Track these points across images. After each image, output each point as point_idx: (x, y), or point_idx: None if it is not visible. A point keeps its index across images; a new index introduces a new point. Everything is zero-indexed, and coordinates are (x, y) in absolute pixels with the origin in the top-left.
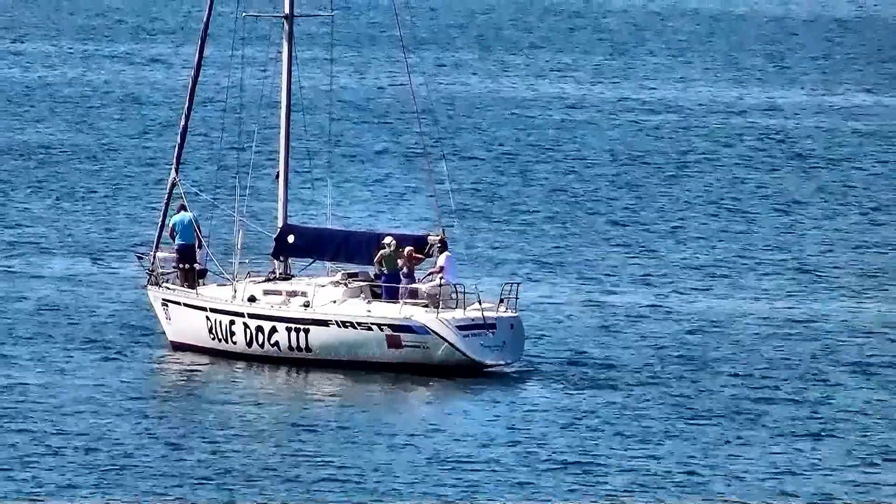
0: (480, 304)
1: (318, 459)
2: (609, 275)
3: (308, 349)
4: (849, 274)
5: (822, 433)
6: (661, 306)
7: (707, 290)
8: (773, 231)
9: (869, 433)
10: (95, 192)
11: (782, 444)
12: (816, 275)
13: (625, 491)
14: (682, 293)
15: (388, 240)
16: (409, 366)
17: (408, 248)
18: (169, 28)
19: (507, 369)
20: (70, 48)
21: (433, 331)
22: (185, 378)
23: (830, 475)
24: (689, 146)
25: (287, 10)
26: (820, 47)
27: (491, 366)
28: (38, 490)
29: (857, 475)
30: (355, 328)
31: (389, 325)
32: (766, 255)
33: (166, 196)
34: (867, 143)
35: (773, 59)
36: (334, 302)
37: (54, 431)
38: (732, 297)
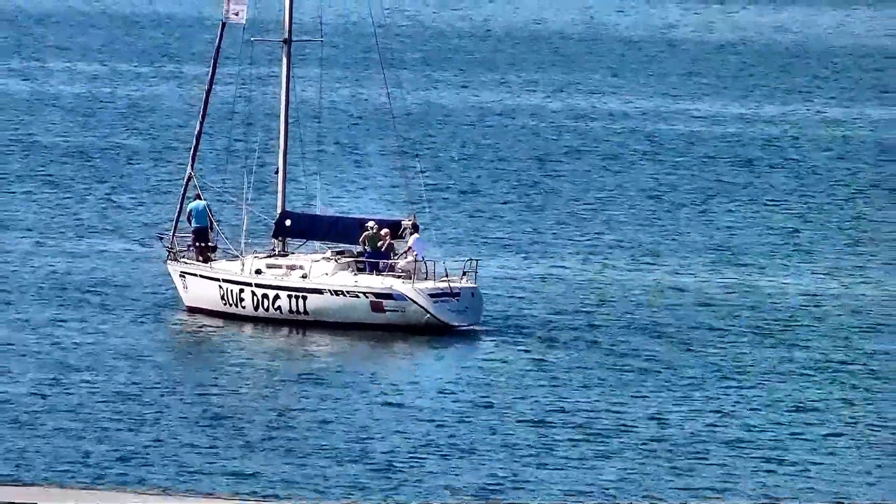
0: (447, 276)
1: (310, 403)
2: (553, 254)
3: (305, 313)
4: (752, 254)
5: (722, 383)
6: (598, 279)
7: (635, 265)
8: (694, 217)
9: (764, 383)
10: (123, 185)
11: (694, 392)
12: (728, 254)
13: (561, 425)
14: (615, 268)
15: (370, 223)
16: (389, 326)
17: (384, 230)
18: (192, 49)
19: (469, 329)
20: (121, 68)
21: (410, 298)
22: (201, 336)
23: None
24: (625, 147)
25: (286, 36)
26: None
27: (456, 326)
28: (83, 425)
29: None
30: (345, 296)
31: (373, 293)
32: (686, 236)
33: (183, 188)
34: (776, 148)
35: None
36: (326, 274)
37: (96, 379)
38: (657, 271)
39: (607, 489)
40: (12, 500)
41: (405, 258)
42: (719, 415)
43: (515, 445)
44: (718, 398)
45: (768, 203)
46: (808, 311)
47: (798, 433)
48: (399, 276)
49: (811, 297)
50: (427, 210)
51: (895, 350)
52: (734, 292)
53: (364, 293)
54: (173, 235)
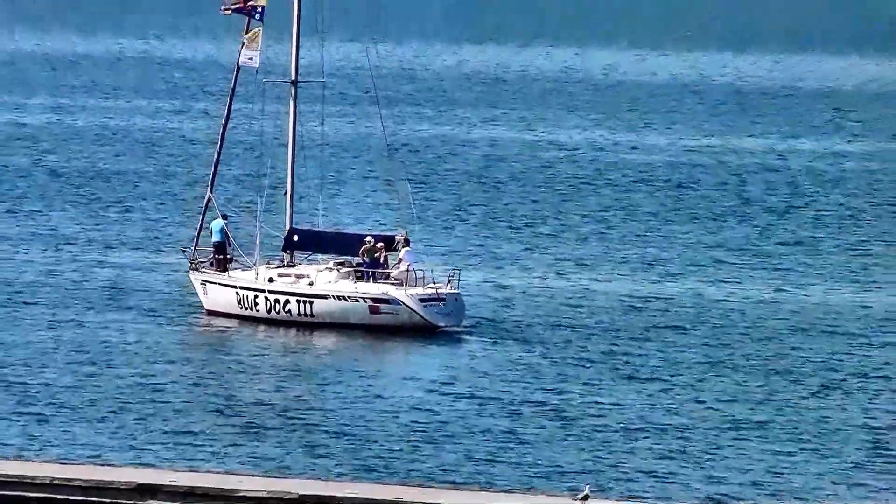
0: (434, 283)
1: (315, 392)
2: (528, 265)
3: (312, 315)
4: (696, 265)
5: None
6: (567, 288)
7: (599, 276)
8: (649, 235)
9: (713, 377)
10: (150, 206)
11: (648, 384)
12: (678, 265)
13: (533, 414)
14: (582, 279)
15: (368, 238)
16: (384, 327)
17: (379, 244)
18: (212, 88)
19: (453, 329)
20: (149, 104)
21: (403, 302)
22: (220, 335)
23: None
24: (588, 175)
25: (293, 77)
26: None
27: (442, 327)
28: (119, 409)
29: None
30: (346, 300)
31: (371, 298)
32: (643, 251)
33: (203, 208)
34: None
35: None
36: (330, 282)
37: (132, 371)
38: (618, 280)
39: (575, 470)
40: (60, 476)
41: (398, 268)
42: (670, 403)
43: (492, 430)
44: (670, 389)
45: (712, 220)
46: (756, 315)
47: (739, 426)
48: (393, 284)
49: (763, 303)
50: (417, 226)
51: (824, 350)
52: (684, 299)
53: (363, 298)
54: (195, 249)
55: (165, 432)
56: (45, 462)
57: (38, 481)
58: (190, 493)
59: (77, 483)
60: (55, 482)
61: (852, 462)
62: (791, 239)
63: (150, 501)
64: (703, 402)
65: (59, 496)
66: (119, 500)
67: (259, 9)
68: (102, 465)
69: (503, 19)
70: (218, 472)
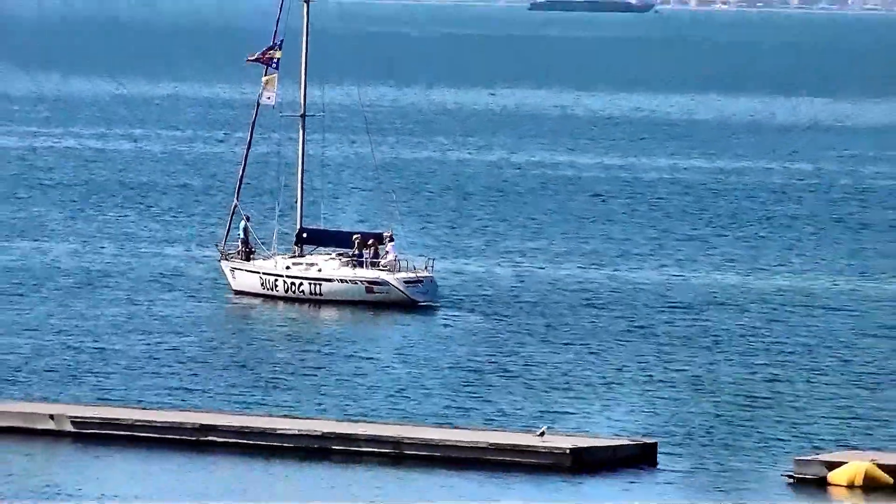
0: (414, 269)
1: (322, 353)
2: (489, 255)
3: (320, 294)
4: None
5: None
6: (522, 273)
7: (551, 264)
8: (626, 229)
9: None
10: (190, 211)
11: (588, 344)
12: (630, 256)
13: (493, 371)
14: (536, 266)
15: (356, 235)
16: (377, 303)
17: (370, 240)
18: (239, 121)
19: (429, 304)
20: (189, 134)
21: (391, 284)
22: (246, 309)
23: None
24: (551, 185)
25: (302, 112)
26: None
27: (420, 302)
28: (167, 364)
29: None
30: (347, 282)
31: (367, 281)
32: (584, 244)
33: (230, 213)
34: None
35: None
36: (334, 268)
37: (177, 336)
38: (561, 267)
39: (529, 413)
40: (139, 418)
41: (387, 258)
42: (601, 360)
43: (459, 381)
44: (600, 350)
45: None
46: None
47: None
48: (383, 270)
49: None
50: (400, 226)
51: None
52: (608, 281)
53: (360, 280)
54: (224, 243)
55: (210, 381)
56: (125, 407)
57: (122, 422)
58: (239, 431)
59: (153, 423)
60: (136, 423)
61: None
62: (689, 231)
63: (210, 437)
64: (626, 358)
65: (140, 434)
66: (185, 437)
67: (275, 60)
68: (170, 409)
69: (479, 65)
70: (258, 415)
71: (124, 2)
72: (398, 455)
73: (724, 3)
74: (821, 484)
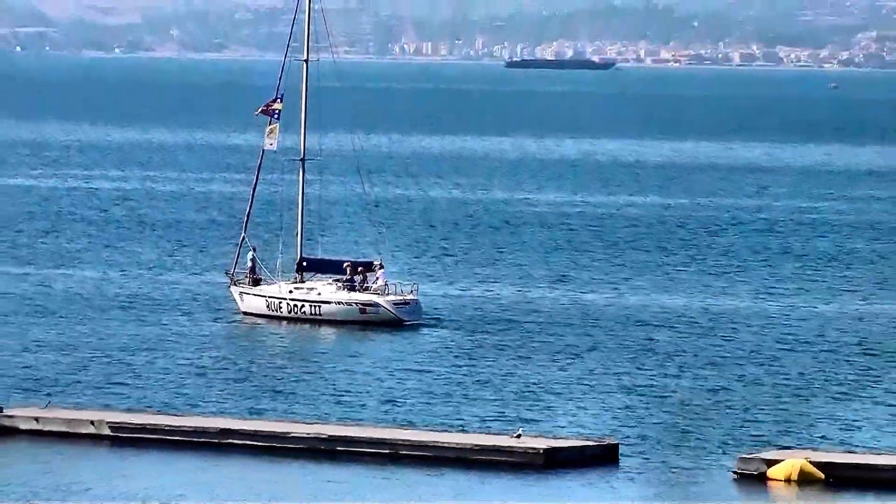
0: (402, 293)
1: (321, 365)
2: (468, 280)
3: (319, 314)
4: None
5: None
6: (498, 296)
7: (538, 289)
8: (587, 256)
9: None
10: (203, 243)
11: (559, 360)
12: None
13: (471, 382)
14: (512, 290)
15: (346, 263)
16: (369, 322)
17: (360, 268)
18: (244, 165)
19: (414, 323)
20: (201, 176)
21: (382, 305)
22: (250, 326)
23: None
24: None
25: (301, 156)
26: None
27: (407, 321)
28: (185, 375)
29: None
30: (343, 304)
31: (360, 303)
32: (579, 269)
33: (239, 244)
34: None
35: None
36: (331, 292)
37: (192, 351)
38: (534, 289)
39: (509, 420)
40: (167, 423)
41: (377, 283)
42: (575, 370)
43: (441, 389)
44: (574, 362)
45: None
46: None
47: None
48: (374, 293)
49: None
50: (389, 256)
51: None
52: (576, 302)
53: (355, 303)
54: (234, 271)
55: (224, 390)
56: (155, 413)
57: (153, 427)
58: (254, 434)
59: (180, 427)
60: (165, 427)
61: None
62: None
63: (229, 440)
64: (590, 369)
65: (168, 437)
66: (207, 440)
67: (276, 112)
68: (194, 415)
69: (460, 116)
70: (270, 420)
71: (165, 63)
72: (394, 455)
73: (676, 62)
74: (761, 479)
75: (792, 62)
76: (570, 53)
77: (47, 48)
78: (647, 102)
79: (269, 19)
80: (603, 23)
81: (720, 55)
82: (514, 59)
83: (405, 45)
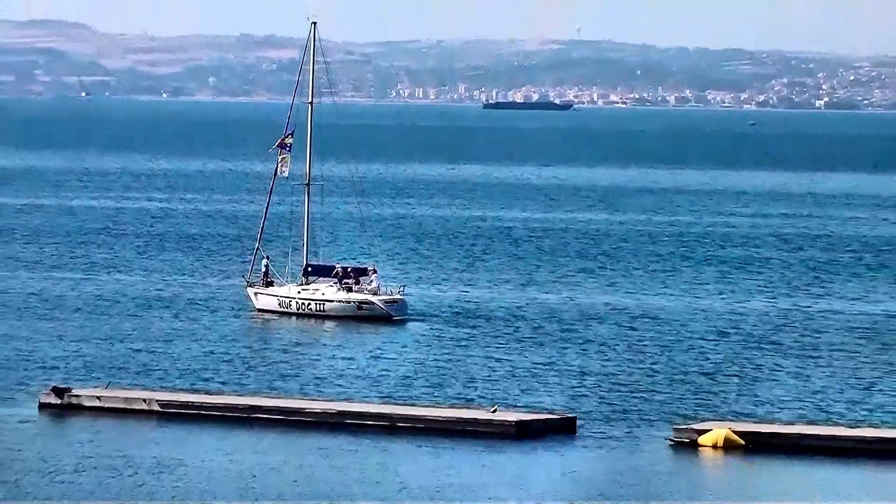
0: (391, 293)
1: (324, 352)
2: (449, 283)
3: (323, 311)
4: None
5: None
6: (474, 297)
7: (508, 289)
8: (549, 262)
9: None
10: (225, 253)
11: (534, 349)
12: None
13: (459, 371)
14: (496, 289)
15: (337, 269)
16: (364, 318)
17: (352, 271)
18: (258, 188)
19: (402, 318)
20: (219, 197)
21: (375, 304)
22: (265, 321)
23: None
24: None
25: (307, 181)
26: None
27: (396, 318)
28: (213, 360)
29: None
30: (343, 303)
31: (357, 301)
32: (542, 273)
33: (255, 253)
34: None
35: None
36: (333, 293)
37: (214, 342)
38: (523, 291)
39: (485, 397)
40: (199, 401)
41: (371, 285)
42: (541, 358)
43: (423, 371)
44: (539, 349)
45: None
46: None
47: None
48: (369, 293)
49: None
50: (381, 262)
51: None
52: (551, 301)
53: (353, 301)
54: (249, 275)
55: (247, 374)
56: (195, 393)
57: (194, 404)
58: (278, 409)
59: (216, 404)
60: (204, 404)
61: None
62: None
63: (257, 414)
64: (553, 355)
65: (206, 412)
66: (239, 414)
67: (288, 146)
68: (227, 394)
69: (443, 147)
70: (291, 397)
71: (203, 106)
72: (391, 427)
73: (623, 103)
74: (693, 446)
75: (718, 104)
76: (536, 97)
77: (107, 93)
78: (599, 137)
79: (289, 69)
80: (563, 72)
81: (659, 98)
82: (491, 101)
83: (400, 90)
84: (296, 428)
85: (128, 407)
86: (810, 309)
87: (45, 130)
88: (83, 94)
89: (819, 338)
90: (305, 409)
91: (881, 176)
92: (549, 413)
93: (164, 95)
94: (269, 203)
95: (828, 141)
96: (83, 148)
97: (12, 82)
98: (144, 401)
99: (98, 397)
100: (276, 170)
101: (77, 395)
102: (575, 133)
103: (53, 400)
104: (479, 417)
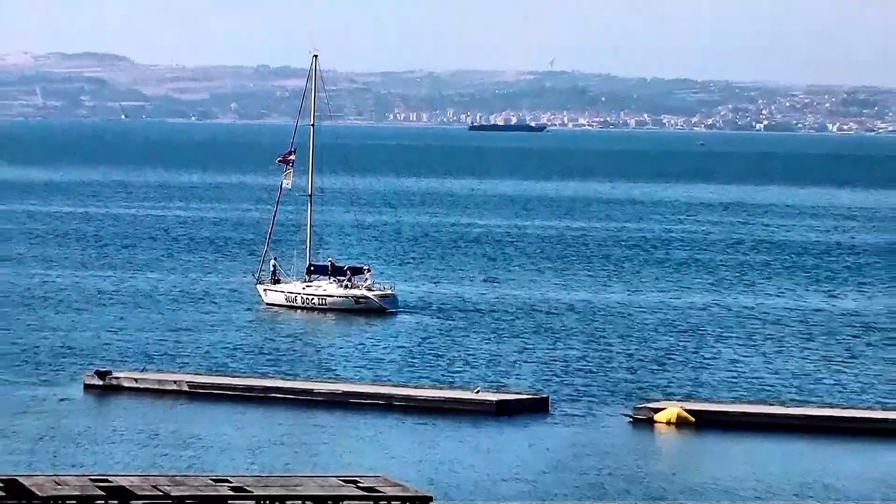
0: (384, 289)
1: (327, 340)
2: (432, 282)
3: (325, 305)
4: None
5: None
6: (458, 293)
7: (485, 287)
8: (518, 262)
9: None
10: (238, 255)
11: (514, 341)
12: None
13: (445, 357)
14: (475, 286)
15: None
16: (361, 310)
17: (348, 270)
18: (265, 198)
19: (394, 310)
20: (231, 208)
21: (371, 298)
22: (274, 314)
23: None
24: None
25: (309, 192)
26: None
27: (388, 310)
28: (228, 347)
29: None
30: (342, 297)
31: (355, 296)
32: (515, 273)
33: (263, 255)
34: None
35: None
36: (333, 289)
37: (228, 332)
38: (498, 287)
39: (469, 379)
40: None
41: (367, 282)
42: (517, 345)
43: (418, 359)
44: (515, 338)
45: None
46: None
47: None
48: (365, 289)
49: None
50: (375, 263)
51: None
52: (523, 296)
53: (351, 296)
54: (259, 273)
55: (259, 359)
56: (218, 375)
57: (218, 385)
58: (290, 390)
59: (237, 386)
60: (226, 385)
61: None
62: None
63: (272, 395)
64: (528, 342)
65: (228, 392)
66: (256, 394)
67: (291, 161)
68: (245, 376)
69: (432, 164)
70: (300, 380)
71: (226, 127)
72: (389, 405)
73: (590, 126)
74: (649, 422)
75: (671, 126)
76: (514, 120)
77: (144, 116)
78: (568, 155)
79: (299, 96)
80: (538, 99)
81: (621, 121)
82: (475, 124)
83: (397, 114)
84: (304, 406)
85: (161, 388)
86: (746, 303)
87: (90, 149)
88: (123, 116)
89: (755, 328)
90: (314, 389)
91: (812, 189)
92: (525, 393)
93: (193, 118)
94: (276, 211)
95: (766, 159)
96: (122, 164)
97: (62, 107)
98: (175, 382)
99: (135, 379)
100: (281, 182)
101: (117, 377)
102: (547, 152)
103: (96, 381)
104: (463, 397)
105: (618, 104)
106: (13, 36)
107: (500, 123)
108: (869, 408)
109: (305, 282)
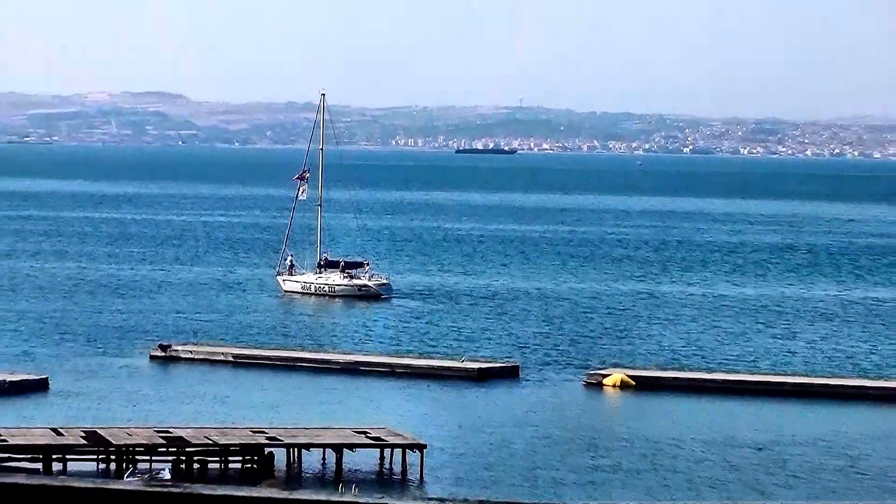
0: (381, 279)
1: (335, 320)
2: (425, 274)
3: (334, 292)
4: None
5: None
6: (448, 283)
7: (470, 278)
8: (497, 259)
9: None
10: (261, 253)
11: (502, 318)
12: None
13: (434, 332)
14: (462, 277)
15: (339, 261)
16: (363, 296)
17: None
18: (284, 207)
19: (389, 296)
20: (256, 214)
21: (370, 286)
22: (290, 299)
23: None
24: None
25: (319, 202)
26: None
27: (384, 296)
28: (255, 330)
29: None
30: (348, 286)
31: (358, 286)
32: (494, 266)
33: (282, 253)
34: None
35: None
36: (341, 279)
37: (252, 313)
38: (480, 277)
39: (455, 350)
40: (260, 353)
41: (367, 274)
42: (495, 323)
43: (403, 333)
44: (495, 318)
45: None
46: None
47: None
48: (366, 280)
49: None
50: (374, 258)
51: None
52: (498, 285)
53: (354, 285)
54: (279, 267)
55: (278, 333)
56: (252, 348)
57: (252, 356)
58: (310, 360)
59: (267, 356)
60: (258, 356)
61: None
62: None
63: (297, 364)
64: (505, 320)
65: (260, 361)
66: (281, 363)
67: (306, 177)
68: (271, 348)
69: (424, 180)
70: (317, 351)
71: (262, 152)
72: (391, 373)
73: (551, 150)
74: (599, 386)
75: (617, 150)
76: (491, 145)
77: (197, 143)
78: (533, 174)
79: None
80: (509, 128)
81: (576, 146)
82: (460, 148)
83: (398, 140)
84: (323, 373)
85: (211, 358)
86: (671, 290)
87: (154, 169)
88: (180, 143)
89: (679, 310)
90: (332, 359)
91: (725, 200)
92: (499, 361)
93: (236, 144)
94: (292, 218)
95: (690, 176)
96: (178, 180)
97: (131, 135)
98: (222, 354)
99: (190, 351)
100: (297, 194)
101: (176, 350)
102: (516, 170)
103: (160, 353)
104: (451, 366)
105: (574, 132)
106: (94, 77)
107: (479, 148)
108: (764, 373)
109: (317, 274)
